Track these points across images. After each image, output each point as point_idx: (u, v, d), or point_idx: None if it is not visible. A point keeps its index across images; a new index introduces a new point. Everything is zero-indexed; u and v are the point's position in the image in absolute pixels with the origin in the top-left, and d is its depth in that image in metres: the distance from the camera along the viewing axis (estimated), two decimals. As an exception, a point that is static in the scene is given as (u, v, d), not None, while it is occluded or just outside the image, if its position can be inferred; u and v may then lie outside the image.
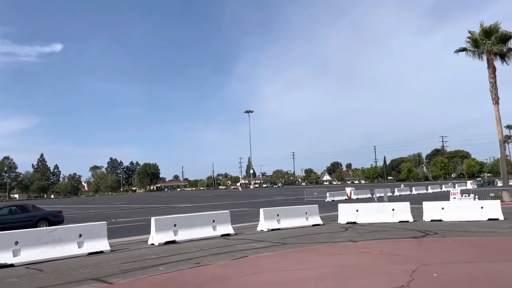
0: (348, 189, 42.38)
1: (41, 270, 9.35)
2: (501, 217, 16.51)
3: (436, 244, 11.52)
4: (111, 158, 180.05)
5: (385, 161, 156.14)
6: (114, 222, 22.64)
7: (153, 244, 12.73)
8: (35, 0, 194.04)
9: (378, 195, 37.52)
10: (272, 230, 15.47)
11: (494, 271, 7.79)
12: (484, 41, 27.83)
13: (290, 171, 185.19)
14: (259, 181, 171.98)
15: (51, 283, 8.02)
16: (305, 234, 14.27)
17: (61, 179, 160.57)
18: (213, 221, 14.51)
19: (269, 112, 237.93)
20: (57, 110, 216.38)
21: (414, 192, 48.47)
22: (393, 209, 17.48)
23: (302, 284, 7.15)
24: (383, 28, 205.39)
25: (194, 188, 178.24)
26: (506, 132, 79.88)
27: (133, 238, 14.65)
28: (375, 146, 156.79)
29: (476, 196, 24.61)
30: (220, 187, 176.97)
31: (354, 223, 17.01)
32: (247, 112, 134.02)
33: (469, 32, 28.85)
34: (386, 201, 28.82)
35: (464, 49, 28.98)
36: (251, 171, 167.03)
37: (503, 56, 28.17)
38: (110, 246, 11.93)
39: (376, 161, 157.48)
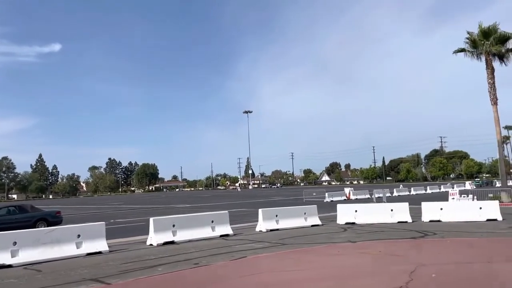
0: (347, 190, 42.40)
1: (39, 271, 9.33)
2: (500, 218, 16.53)
3: (434, 244, 11.54)
4: (109, 159, 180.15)
5: (384, 161, 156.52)
6: (112, 223, 22.61)
7: (151, 244, 12.72)
8: (34, 0, 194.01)
9: (377, 195, 37.54)
10: (271, 230, 15.47)
11: (493, 271, 7.79)
12: (482, 42, 27.84)
13: (289, 171, 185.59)
14: (258, 182, 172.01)
15: (49, 283, 8.00)
16: (304, 234, 14.27)
17: (59, 180, 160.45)
18: (212, 221, 14.49)
19: (268, 112, 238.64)
20: (56, 110, 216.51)
21: (412, 192, 48.55)
22: (391, 210, 17.49)
23: (301, 285, 7.14)
24: (383, 28, 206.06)
25: (192, 189, 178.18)
26: (504, 132, 79.83)
27: (131, 239, 14.63)
28: (374, 147, 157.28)
29: (475, 197, 24.67)
30: (219, 187, 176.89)
31: (353, 223, 17.02)
32: (246, 112, 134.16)
33: (468, 32, 28.87)
34: (385, 202, 28.88)
35: (462, 50, 29.00)
36: (250, 172, 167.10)
37: (501, 57, 28.18)
38: (109, 247, 11.91)
39: (375, 162, 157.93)
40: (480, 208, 17.10)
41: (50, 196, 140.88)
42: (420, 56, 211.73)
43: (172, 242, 12.94)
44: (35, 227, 17.45)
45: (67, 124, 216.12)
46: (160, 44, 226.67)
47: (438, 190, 52.42)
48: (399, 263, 8.62)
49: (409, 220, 16.99)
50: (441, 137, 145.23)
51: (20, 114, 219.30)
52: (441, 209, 17.35)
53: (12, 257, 10.16)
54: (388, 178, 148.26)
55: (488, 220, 16.41)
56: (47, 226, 17.26)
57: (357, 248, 11.11)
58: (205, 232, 14.05)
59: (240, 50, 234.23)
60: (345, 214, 17.61)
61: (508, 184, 32.38)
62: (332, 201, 36.59)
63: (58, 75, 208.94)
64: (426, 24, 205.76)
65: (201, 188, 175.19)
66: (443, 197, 28.22)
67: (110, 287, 7.58)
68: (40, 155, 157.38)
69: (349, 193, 41.38)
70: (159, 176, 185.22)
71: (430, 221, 16.91)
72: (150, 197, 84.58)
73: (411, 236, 13.13)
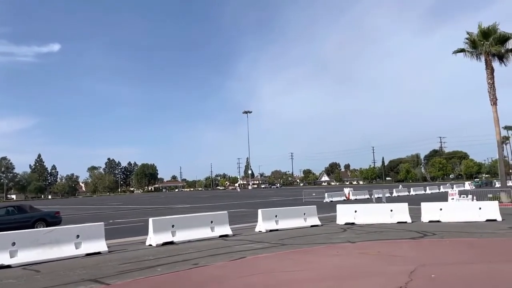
0: (346, 190, 42.43)
1: (38, 271, 9.31)
2: (499, 218, 16.54)
3: (434, 245, 11.53)
4: (108, 159, 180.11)
5: (383, 162, 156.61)
6: (111, 223, 22.58)
7: (151, 245, 12.70)
8: (34, 0, 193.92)
9: (376, 196, 37.54)
10: (270, 231, 15.46)
11: (492, 271, 7.78)
12: (482, 42, 27.86)
13: (288, 171, 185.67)
14: (257, 182, 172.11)
15: (48, 284, 7.98)
16: (303, 235, 14.26)
17: (58, 180, 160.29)
18: (211, 222, 14.48)
19: (268, 112, 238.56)
20: (55, 110, 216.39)
21: (412, 193, 48.60)
22: (391, 210, 17.49)
23: (300, 285, 7.13)
24: (383, 28, 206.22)
25: (192, 189, 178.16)
26: (504, 133, 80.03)
27: (130, 239, 14.62)
28: (373, 147, 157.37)
29: (474, 197, 24.69)
30: (218, 187, 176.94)
31: (353, 224, 17.01)
32: (246, 112, 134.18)
33: (467, 33, 28.89)
34: (384, 202, 28.90)
35: (462, 50, 29.02)
36: (250, 172, 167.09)
37: (501, 57, 28.19)
38: (108, 247, 11.89)
39: (374, 162, 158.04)
40: (480, 208, 17.11)
41: (49, 196, 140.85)
42: (420, 56, 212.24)
43: (171, 243, 12.92)
44: (34, 228, 17.40)
45: (66, 124, 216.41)
46: (160, 44, 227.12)
47: (437, 191, 52.45)
48: (398, 264, 8.61)
49: (409, 220, 16.99)
50: (440, 137, 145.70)
51: (19, 114, 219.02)
52: (441, 209, 17.35)
53: (11, 257, 10.15)
54: (387, 178, 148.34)
55: (487, 220, 16.41)
56: (46, 227, 17.22)
57: (356, 248, 11.10)
58: (205, 232, 14.03)
59: (240, 50, 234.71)
60: (344, 214, 17.61)
61: (508, 184, 32.39)
62: (331, 201, 36.61)
63: (57, 75, 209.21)
64: (426, 24, 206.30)
65: (200, 189, 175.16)
66: (443, 197, 28.23)
67: (109, 287, 7.57)
68: (39, 155, 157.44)
69: (349, 193, 41.40)
70: (159, 176, 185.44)
71: (430, 221, 16.91)
72: (149, 197, 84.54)
73: (410, 236, 13.12)
